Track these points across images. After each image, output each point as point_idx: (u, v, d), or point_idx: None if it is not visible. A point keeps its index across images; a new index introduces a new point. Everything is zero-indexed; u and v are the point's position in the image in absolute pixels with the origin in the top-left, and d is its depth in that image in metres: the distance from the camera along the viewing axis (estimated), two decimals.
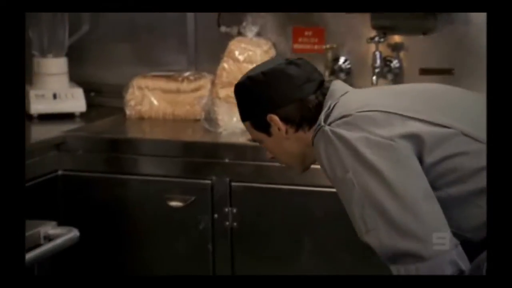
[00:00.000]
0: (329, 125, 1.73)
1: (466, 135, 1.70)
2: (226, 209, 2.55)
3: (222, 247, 2.57)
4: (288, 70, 1.80)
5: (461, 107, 1.77)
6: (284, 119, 1.80)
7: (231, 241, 2.56)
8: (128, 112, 2.95)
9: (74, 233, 2.02)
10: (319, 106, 1.80)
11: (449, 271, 1.64)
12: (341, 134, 1.70)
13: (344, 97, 1.80)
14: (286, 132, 1.80)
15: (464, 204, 1.70)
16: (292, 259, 2.49)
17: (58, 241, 1.99)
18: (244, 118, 1.86)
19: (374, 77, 2.77)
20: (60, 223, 2.11)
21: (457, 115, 1.74)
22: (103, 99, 3.10)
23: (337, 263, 2.47)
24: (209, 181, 2.57)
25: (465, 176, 1.69)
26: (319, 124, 1.75)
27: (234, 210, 2.55)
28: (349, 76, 2.86)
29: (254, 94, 1.82)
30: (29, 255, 1.90)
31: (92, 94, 3.08)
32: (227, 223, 2.55)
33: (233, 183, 2.54)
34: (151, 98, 2.93)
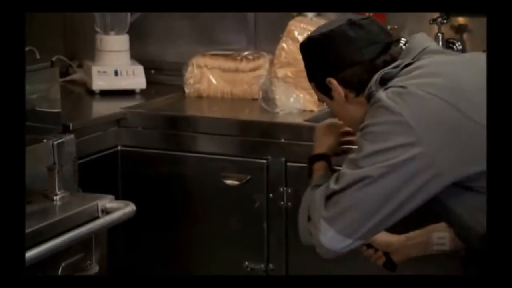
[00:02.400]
0: (386, 89, 1.61)
1: None
2: (281, 189, 2.56)
3: (277, 227, 2.58)
4: (348, 32, 1.71)
5: None
6: (343, 83, 1.73)
7: (285, 220, 2.57)
8: (187, 90, 2.98)
9: (130, 207, 2.05)
10: (385, 64, 1.68)
11: None
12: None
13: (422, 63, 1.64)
14: (346, 96, 1.74)
15: None
16: None
17: (115, 215, 2.02)
18: (308, 79, 1.81)
19: None
20: (119, 197, 2.16)
21: None
22: (163, 76, 3.14)
23: None
24: (265, 161, 2.58)
25: None
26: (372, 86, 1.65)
27: (289, 190, 2.55)
28: None
29: (313, 56, 1.77)
30: (86, 228, 1.95)
31: (152, 71, 3.13)
32: (282, 202, 2.56)
33: (288, 163, 2.55)
34: (210, 76, 2.95)
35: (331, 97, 1.77)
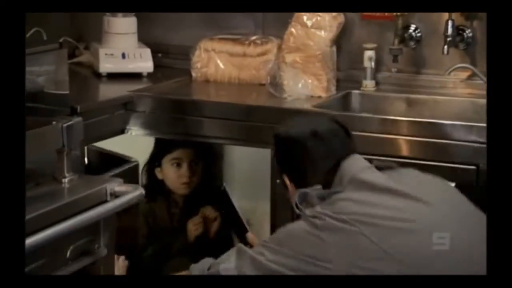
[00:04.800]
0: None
1: None
2: None
3: (282, 212, 2.58)
4: (308, 143, 1.97)
5: None
6: (293, 181, 2.02)
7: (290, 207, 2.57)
8: (194, 74, 2.97)
9: (139, 191, 2.05)
10: (326, 182, 1.94)
11: None
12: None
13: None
14: (294, 189, 2.00)
15: None
16: None
17: (124, 198, 2.02)
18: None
19: (446, 47, 2.72)
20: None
21: None
22: (170, 60, 3.13)
23: None
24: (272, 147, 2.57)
25: None
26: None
27: None
28: (419, 45, 2.81)
29: (276, 150, 2.08)
30: (95, 211, 1.95)
31: (160, 55, 3.11)
32: None
33: None
34: (217, 61, 2.94)
35: (286, 186, 2.07)
